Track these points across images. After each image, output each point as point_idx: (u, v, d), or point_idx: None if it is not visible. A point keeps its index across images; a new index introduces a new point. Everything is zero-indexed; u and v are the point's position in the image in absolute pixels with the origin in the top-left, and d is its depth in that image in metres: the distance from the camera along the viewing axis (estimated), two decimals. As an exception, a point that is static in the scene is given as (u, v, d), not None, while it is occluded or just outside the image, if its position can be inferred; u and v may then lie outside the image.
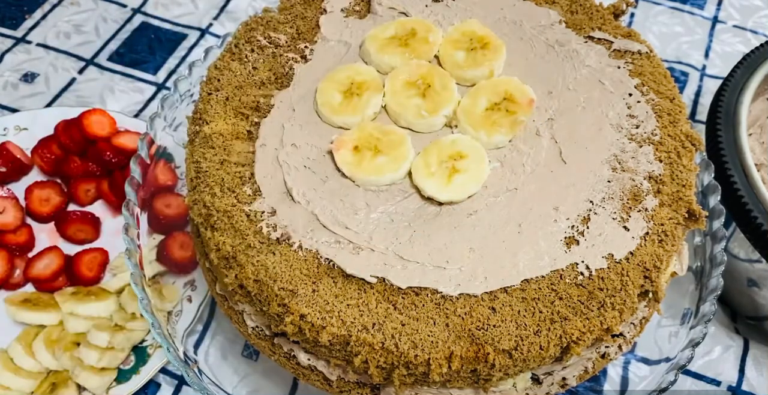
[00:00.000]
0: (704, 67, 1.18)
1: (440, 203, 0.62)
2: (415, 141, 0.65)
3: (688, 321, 0.76)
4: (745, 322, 0.91)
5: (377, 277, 0.58)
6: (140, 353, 0.86)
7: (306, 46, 0.72)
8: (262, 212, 0.61)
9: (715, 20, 1.25)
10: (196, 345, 0.87)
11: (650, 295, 0.62)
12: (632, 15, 1.25)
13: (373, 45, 0.69)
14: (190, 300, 0.85)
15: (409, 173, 0.63)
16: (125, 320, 0.86)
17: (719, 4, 1.27)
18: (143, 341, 0.87)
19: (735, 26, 1.24)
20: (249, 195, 0.61)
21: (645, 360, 0.88)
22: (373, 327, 0.56)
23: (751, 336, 0.90)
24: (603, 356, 0.67)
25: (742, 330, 0.91)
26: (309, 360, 0.64)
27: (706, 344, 0.91)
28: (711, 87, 1.15)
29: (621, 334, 0.66)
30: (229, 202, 0.61)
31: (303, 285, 0.57)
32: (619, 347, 0.67)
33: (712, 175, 0.75)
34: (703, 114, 1.12)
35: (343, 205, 0.61)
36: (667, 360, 0.75)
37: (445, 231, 0.61)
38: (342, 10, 0.75)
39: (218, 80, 0.68)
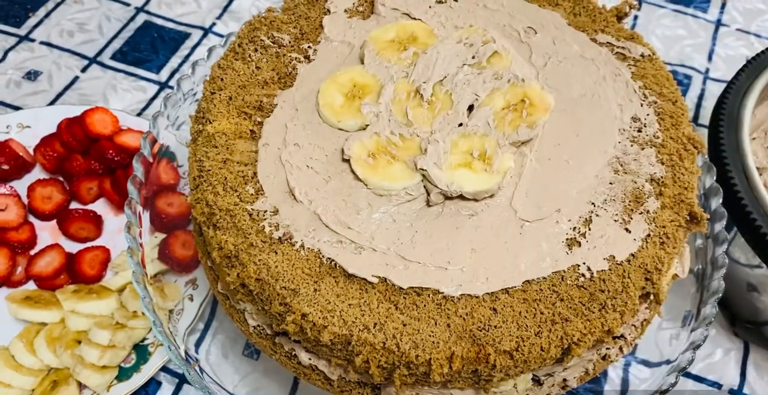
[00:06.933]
0: (707, 71, 1.18)
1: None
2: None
3: (689, 323, 0.76)
4: (744, 326, 0.91)
5: (379, 277, 0.58)
6: (141, 351, 0.86)
7: (309, 47, 0.72)
8: (265, 211, 0.61)
9: (719, 23, 1.25)
10: (197, 344, 0.87)
11: (651, 297, 0.62)
12: (635, 17, 1.25)
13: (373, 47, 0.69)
14: (191, 299, 0.85)
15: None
16: (126, 318, 0.86)
17: (722, 7, 1.27)
18: (144, 339, 0.87)
19: (738, 30, 1.24)
20: (251, 194, 0.62)
21: (646, 362, 0.88)
22: (374, 327, 0.56)
23: (750, 340, 0.90)
24: (604, 357, 0.67)
25: (741, 334, 0.91)
26: (310, 359, 0.64)
27: (707, 347, 0.91)
28: (714, 91, 1.15)
29: (622, 336, 0.66)
30: (231, 201, 0.61)
31: (305, 285, 0.57)
32: (620, 349, 0.67)
33: (714, 178, 0.75)
34: (705, 118, 1.12)
35: (346, 205, 0.61)
36: (668, 362, 0.75)
37: (447, 232, 0.61)
38: (345, 10, 0.75)
39: (221, 80, 0.68)
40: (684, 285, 0.77)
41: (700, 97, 1.15)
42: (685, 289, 0.78)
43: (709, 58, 1.20)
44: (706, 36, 1.23)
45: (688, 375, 0.89)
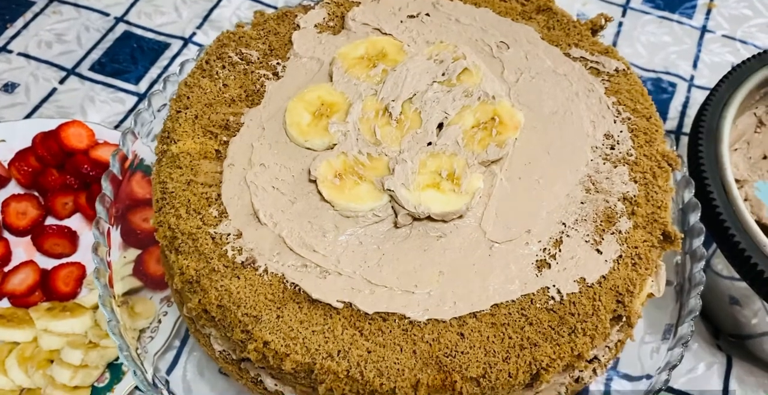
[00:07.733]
0: (692, 78, 1.17)
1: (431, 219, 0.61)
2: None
3: (669, 337, 0.75)
4: (727, 340, 0.90)
5: (344, 302, 0.57)
6: (115, 370, 0.85)
7: (278, 63, 0.71)
8: (228, 235, 0.59)
9: (704, 30, 1.23)
10: (174, 361, 0.86)
11: (623, 320, 0.61)
12: (620, 24, 1.23)
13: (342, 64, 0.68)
14: (166, 315, 0.84)
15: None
16: (100, 337, 0.84)
17: (708, 13, 1.26)
18: (118, 358, 0.85)
19: (724, 36, 1.23)
20: (215, 217, 0.60)
21: (627, 377, 0.87)
22: (338, 355, 0.55)
23: (733, 354, 0.89)
24: (577, 380, 0.66)
25: (725, 348, 0.90)
26: (276, 385, 0.62)
27: (690, 361, 0.90)
28: (698, 98, 1.14)
29: (596, 358, 0.65)
30: (194, 224, 0.60)
31: (267, 311, 0.56)
32: (594, 371, 0.66)
33: (693, 192, 0.74)
34: (689, 126, 1.10)
35: (311, 227, 0.60)
36: (648, 377, 0.74)
37: (415, 254, 0.60)
38: (315, 25, 0.73)
39: (188, 98, 0.67)
40: (664, 298, 0.76)
41: (685, 105, 1.14)
42: (665, 302, 0.76)
43: (695, 65, 1.18)
44: (691, 42, 1.21)
45: (671, 390, 0.88)
